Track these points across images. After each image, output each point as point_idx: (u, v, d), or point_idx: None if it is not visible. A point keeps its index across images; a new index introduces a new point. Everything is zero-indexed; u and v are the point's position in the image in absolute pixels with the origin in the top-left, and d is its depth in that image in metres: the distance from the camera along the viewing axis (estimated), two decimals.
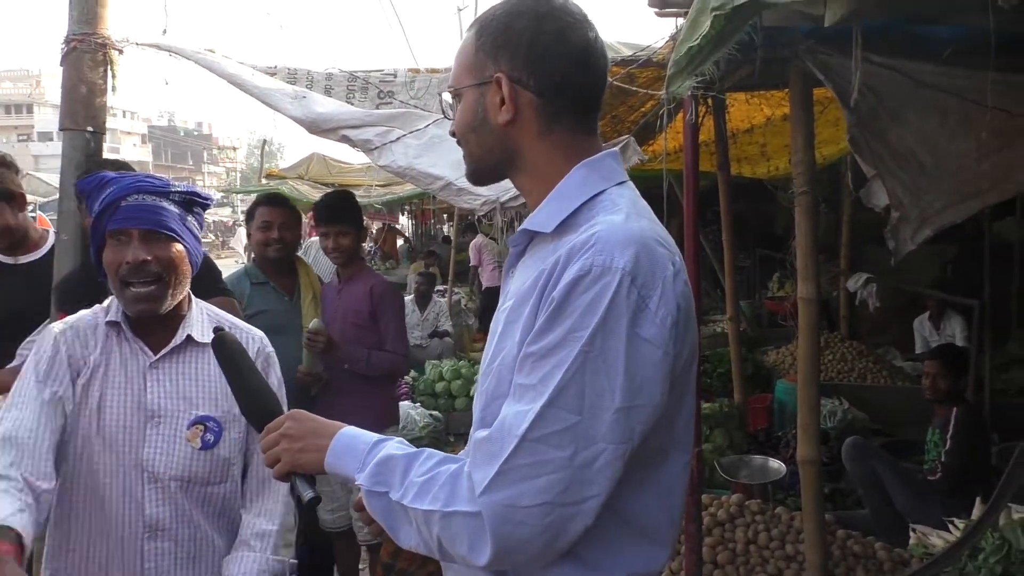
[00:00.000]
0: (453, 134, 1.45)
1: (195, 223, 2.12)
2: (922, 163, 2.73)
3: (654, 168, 4.30)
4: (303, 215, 5.00)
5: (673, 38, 3.20)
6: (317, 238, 4.17)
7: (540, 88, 1.34)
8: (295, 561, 2.21)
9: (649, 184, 3.60)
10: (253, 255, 4.52)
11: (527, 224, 1.38)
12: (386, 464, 1.28)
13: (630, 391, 1.16)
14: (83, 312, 2.13)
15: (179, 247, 2.03)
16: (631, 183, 1.39)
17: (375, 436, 1.34)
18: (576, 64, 1.35)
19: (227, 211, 46.13)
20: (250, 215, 3.87)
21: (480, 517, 1.16)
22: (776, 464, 4.30)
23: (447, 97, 1.47)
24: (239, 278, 3.76)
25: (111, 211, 1.99)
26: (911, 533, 3.93)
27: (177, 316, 2.10)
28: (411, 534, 1.25)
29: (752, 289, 10.06)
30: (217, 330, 1.72)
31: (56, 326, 2.09)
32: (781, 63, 2.77)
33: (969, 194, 2.80)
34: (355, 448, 1.33)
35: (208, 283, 2.91)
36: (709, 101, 4.34)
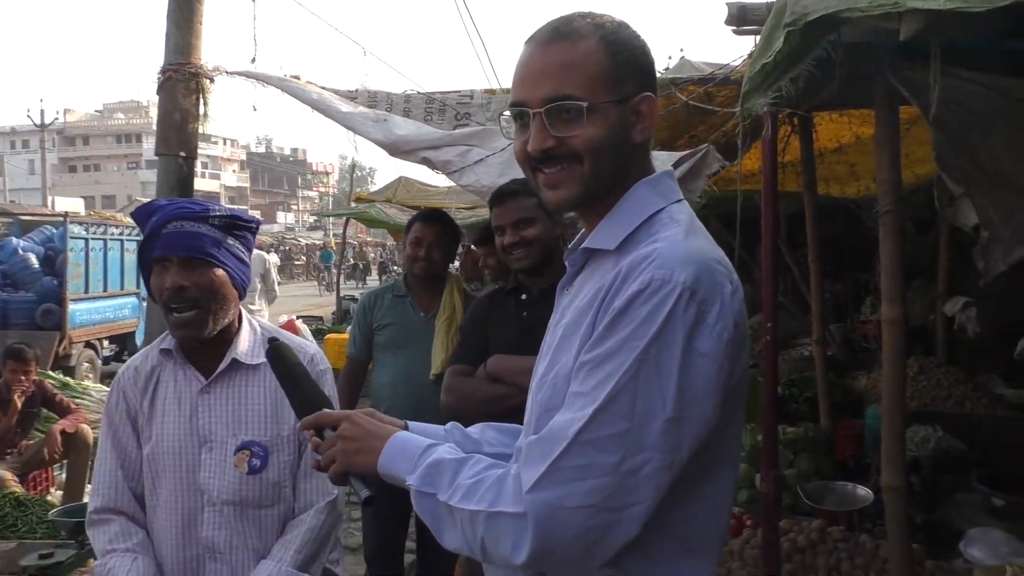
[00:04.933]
0: (548, 151, 1.32)
1: (240, 246, 2.10)
2: (1015, 181, 2.62)
3: (744, 190, 4.21)
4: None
5: (751, 55, 3.16)
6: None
7: None
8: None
9: (732, 206, 3.55)
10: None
11: (588, 242, 1.38)
12: (437, 467, 1.30)
13: (682, 402, 1.17)
14: (147, 347, 2.20)
15: (219, 272, 2.03)
16: (686, 202, 1.40)
17: (427, 440, 1.37)
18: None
19: (319, 234, 47.33)
20: (408, 228, 3.72)
21: (524, 518, 1.18)
22: (863, 491, 4.12)
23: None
24: (385, 289, 3.83)
25: (153, 239, 2.01)
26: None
27: (225, 340, 2.11)
28: (456, 536, 1.26)
29: (845, 312, 9.75)
30: (271, 340, 1.69)
31: (120, 371, 2.17)
32: (866, 80, 2.71)
33: None
34: (407, 451, 1.35)
35: None
36: (795, 120, 4.26)
